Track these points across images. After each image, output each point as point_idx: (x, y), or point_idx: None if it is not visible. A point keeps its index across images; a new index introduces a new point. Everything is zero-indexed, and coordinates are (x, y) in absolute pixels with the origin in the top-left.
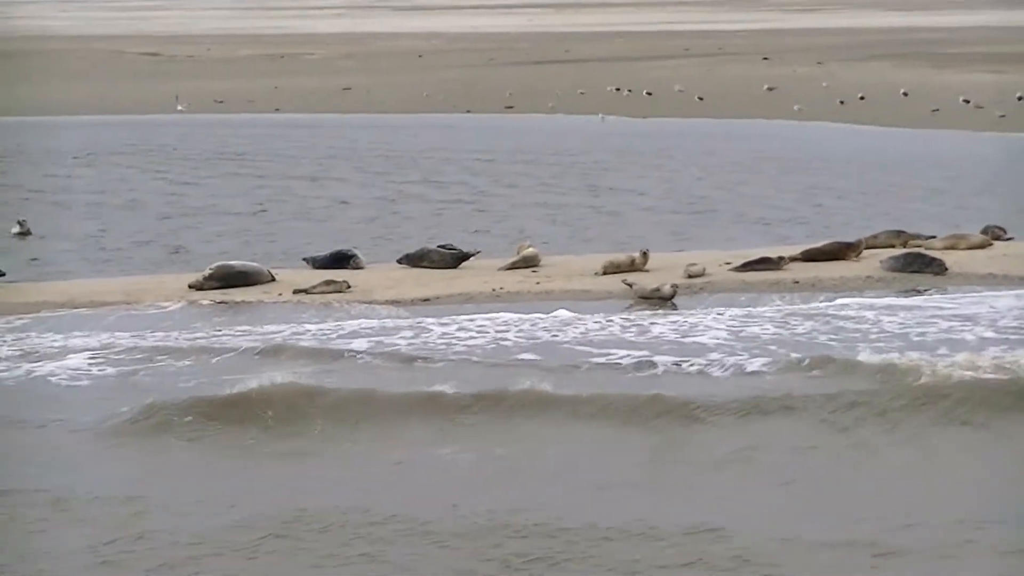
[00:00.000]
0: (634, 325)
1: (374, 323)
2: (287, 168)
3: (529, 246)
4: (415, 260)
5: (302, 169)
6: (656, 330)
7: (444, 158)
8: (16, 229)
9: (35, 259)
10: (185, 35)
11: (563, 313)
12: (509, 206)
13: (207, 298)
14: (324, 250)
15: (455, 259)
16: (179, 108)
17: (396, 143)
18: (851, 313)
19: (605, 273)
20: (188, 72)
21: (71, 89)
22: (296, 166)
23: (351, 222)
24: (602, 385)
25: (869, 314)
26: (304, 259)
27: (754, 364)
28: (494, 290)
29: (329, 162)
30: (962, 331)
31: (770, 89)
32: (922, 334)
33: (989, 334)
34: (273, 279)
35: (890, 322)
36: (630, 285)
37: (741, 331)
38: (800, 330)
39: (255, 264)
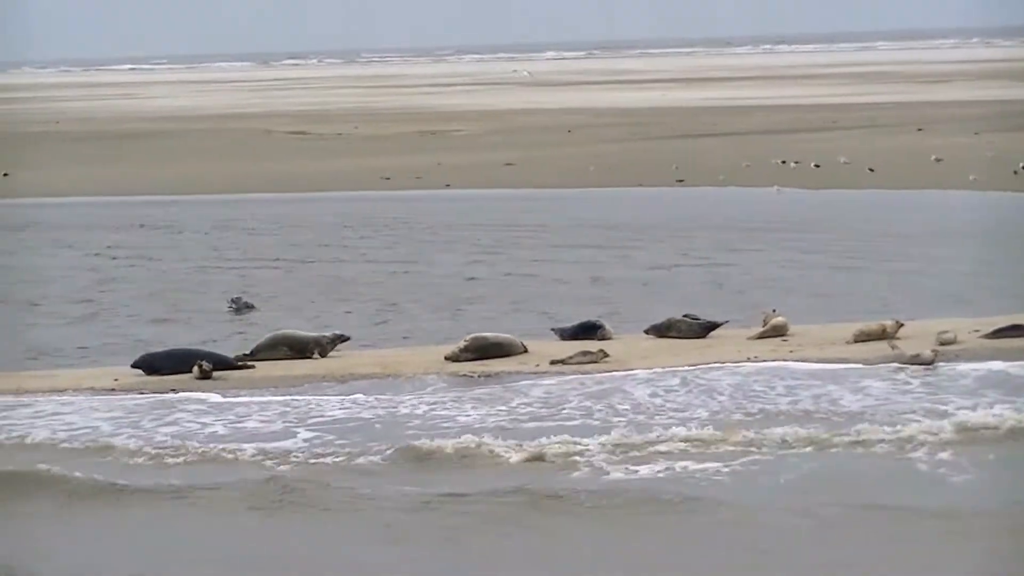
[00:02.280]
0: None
1: None
2: (500, 241)
3: (777, 315)
4: (662, 330)
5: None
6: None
7: (645, 227)
8: (230, 307)
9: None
10: (330, 113)
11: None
12: (739, 274)
13: (465, 369)
14: (572, 321)
15: (703, 329)
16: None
17: (588, 216)
18: None
19: (856, 341)
20: (341, 150)
21: (230, 168)
22: (508, 240)
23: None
24: None
25: None
26: (552, 330)
27: None
28: (749, 359)
29: (529, 235)
30: None
31: (938, 160)
32: None
33: None
34: (526, 350)
35: None
36: (893, 347)
37: None
38: None
39: (508, 335)
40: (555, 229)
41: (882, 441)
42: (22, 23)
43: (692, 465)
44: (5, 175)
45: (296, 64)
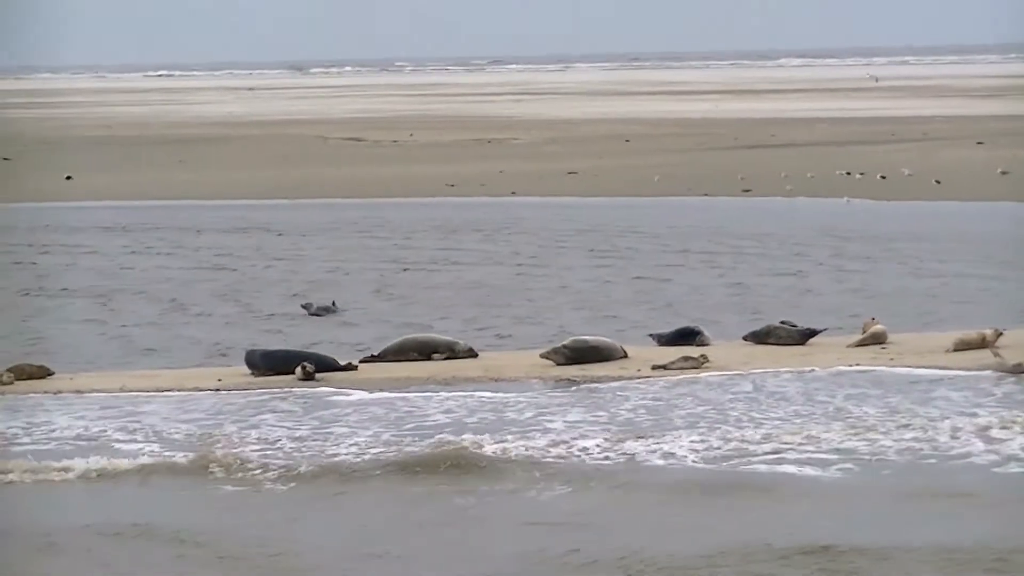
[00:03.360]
0: None
1: None
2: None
3: (877, 323)
4: (761, 337)
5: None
6: None
7: (723, 236)
8: (304, 312)
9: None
10: (382, 120)
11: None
12: (827, 282)
13: (569, 373)
14: (671, 327)
15: (803, 336)
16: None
17: (682, 223)
18: None
19: (956, 350)
20: (399, 157)
21: (291, 173)
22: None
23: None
24: None
25: None
26: (650, 335)
27: None
28: (851, 366)
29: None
30: None
31: (1004, 173)
32: None
33: None
34: (626, 355)
35: None
36: (996, 355)
37: None
38: None
39: (609, 340)
40: (657, 235)
41: None
42: (54, 27)
43: None
44: (68, 178)
45: (330, 72)
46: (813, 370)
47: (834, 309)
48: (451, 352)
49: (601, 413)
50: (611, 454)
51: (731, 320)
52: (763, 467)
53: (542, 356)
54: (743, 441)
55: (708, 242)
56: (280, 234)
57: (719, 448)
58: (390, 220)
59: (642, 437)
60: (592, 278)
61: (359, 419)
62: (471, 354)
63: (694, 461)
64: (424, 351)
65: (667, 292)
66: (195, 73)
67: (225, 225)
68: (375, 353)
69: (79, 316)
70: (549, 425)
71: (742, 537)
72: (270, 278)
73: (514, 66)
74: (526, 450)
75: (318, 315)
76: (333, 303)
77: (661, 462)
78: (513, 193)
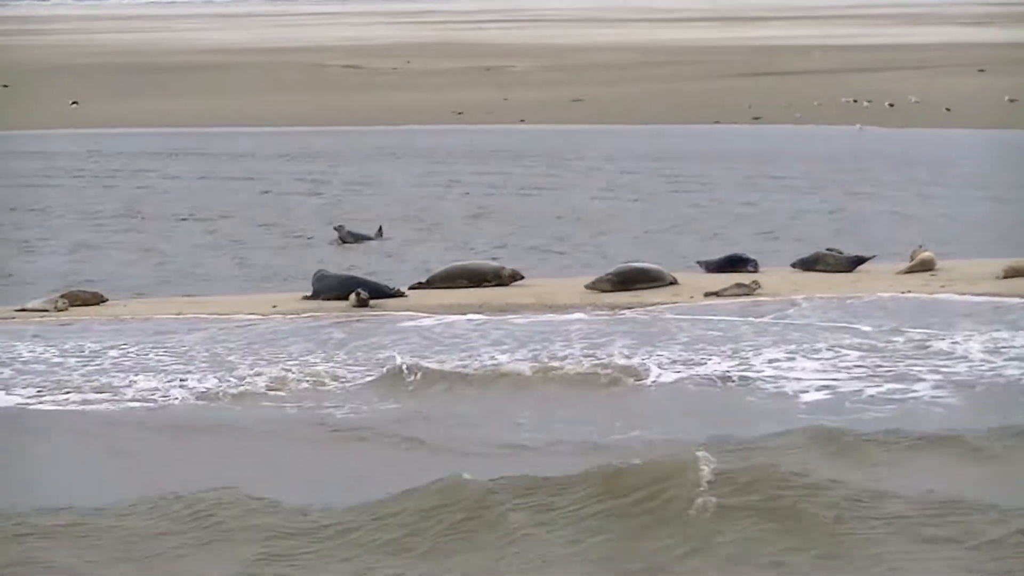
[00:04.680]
0: None
1: None
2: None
3: (925, 250)
4: (809, 264)
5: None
6: None
7: (757, 166)
8: (336, 237)
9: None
10: (378, 47)
11: None
12: (863, 209)
13: (622, 301)
14: (717, 255)
15: (851, 263)
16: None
17: (698, 149)
18: None
19: (1007, 276)
20: (400, 84)
21: (289, 101)
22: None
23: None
24: None
25: None
26: (698, 262)
27: None
28: (902, 292)
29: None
30: None
31: (1012, 100)
32: None
33: None
34: (675, 281)
35: None
36: None
37: None
38: None
39: (657, 266)
40: (678, 160)
41: None
42: None
43: None
44: (74, 103)
45: None
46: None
47: (880, 237)
48: (499, 279)
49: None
50: None
51: (775, 247)
52: None
53: (587, 288)
54: None
55: (729, 170)
56: (310, 160)
57: None
58: (407, 148)
59: None
60: (629, 209)
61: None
62: (517, 278)
63: None
64: (473, 278)
65: (711, 220)
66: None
67: (248, 151)
68: (422, 280)
69: (123, 242)
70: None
71: None
72: (307, 204)
73: None
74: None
75: (347, 241)
76: (380, 229)
77: None
78: (522, 121)
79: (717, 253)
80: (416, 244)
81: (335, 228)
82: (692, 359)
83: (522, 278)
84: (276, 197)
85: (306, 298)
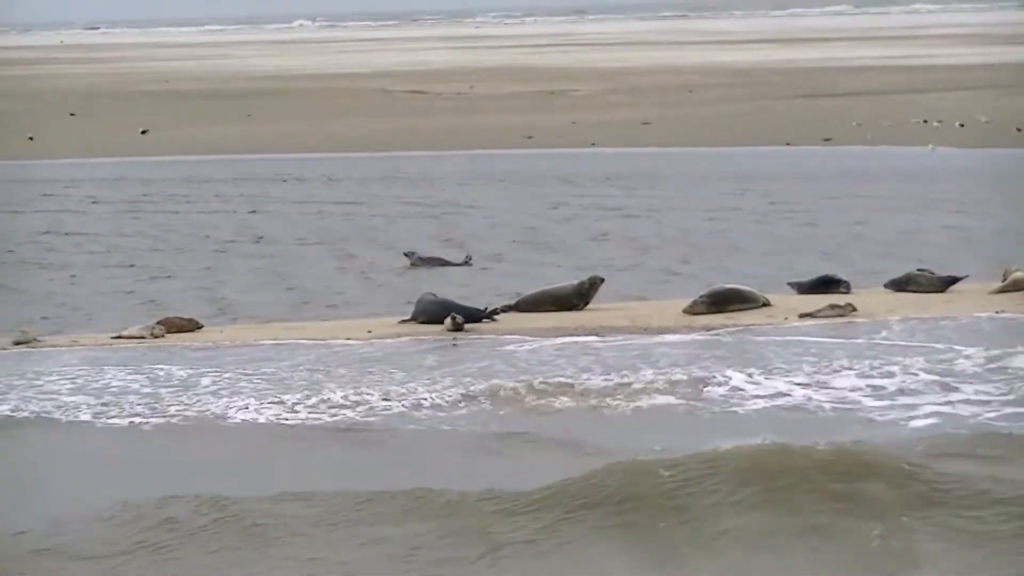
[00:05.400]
0: None
1: None
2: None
3: (1017, 270)
4: (901, 284)
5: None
6: None
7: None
8: (407, 263)
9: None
10: (439, 72)
11: None
12: (947, 228)
13: (717, 323)
14: (807, 276)
15: (944, 283)
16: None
17: (760, 172)
18: None
19: None
20: (466, 109)
21: (359, 126)
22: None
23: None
24: None
25: None
26: (789, 283)
27: None
28: (997, 312)
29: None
30: None
31: None
32: None
33: None
34: (768, 303)
35: None
36: None
37: None
38: None
39: (749, 288)
40: (767, 181)
41: None
42: None
43: None
44: (144, 132)
45: (362, 25)
46: None
47: (968, 257)
48: (581, 296)
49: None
50: None
51: (867, 266)
52: None
53: (684, 312)
54: None
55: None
56: (381, 183)
57: None
58: (491, 171)
59: None
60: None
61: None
62: (597, 283)
63: None
64: (560, 303)
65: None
66: (230, 27)
67: (320, 176)
68: (510, 303)
69: (246, 267)
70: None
71: None
72: (385, 228)
73: (553, 17)
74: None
75: (417, 266)
76: (468, 257)
77: None
78: (593, 144)
79: (809, 273)
80: (538, 266)
81: (406, 255)
82: (790, 379)
83: (602, 280)
84: (382, 220)
85: (402, 322)
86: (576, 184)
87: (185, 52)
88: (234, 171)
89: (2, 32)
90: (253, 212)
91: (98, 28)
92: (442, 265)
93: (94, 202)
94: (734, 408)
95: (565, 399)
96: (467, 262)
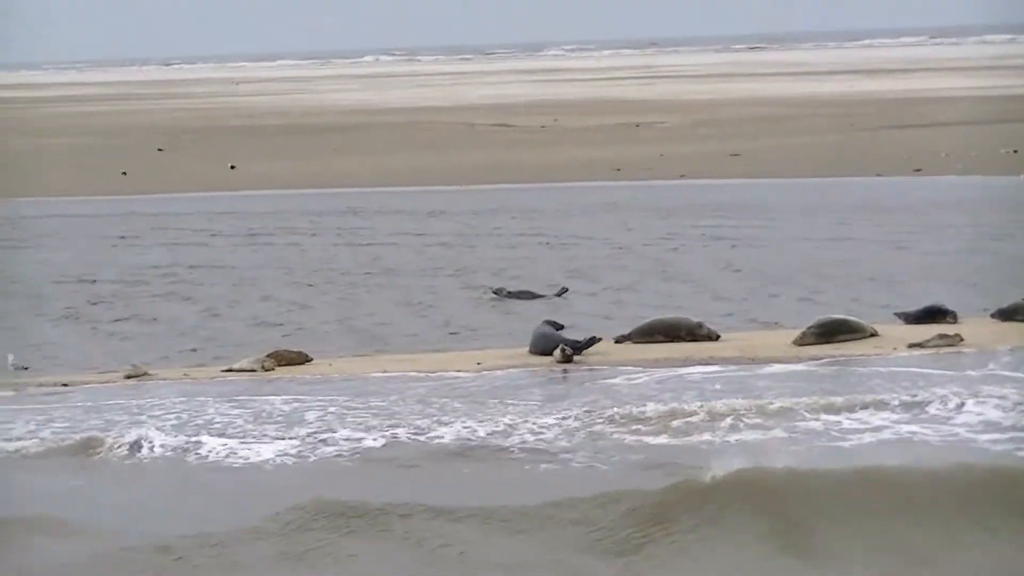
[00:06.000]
0: None
1: None
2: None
3: None
4: (1008, 314)
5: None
6: None
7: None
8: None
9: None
10: (527, 105)
11: None
12: None
13: (825, 354)
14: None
15: None
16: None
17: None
18: None
19: None
20: (552, 141)
21: (451, 159)
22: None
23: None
24: None
25: None
26: (896, 314)
27: None
28: None
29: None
30: None
31: None
32: None
33: None
34: (875, 333)
35: None
36: None
37: None
38: None
39: (857, 318)
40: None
41: None
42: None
43: None
44: (232, 167)
45: (438, 59)
46: None
47: None
48: (693, 336)
49: None
50: None
51: (970, 296)
52: None
53: (794, 343)
54: None
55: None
56: (483, 216)
57: None
58: (577, 203)
59: None
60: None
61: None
62: (713, 337)
63: None
64: (669, 333)
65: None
66: (310, 61)
67: (422, 209)
68: (624, 333)
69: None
70: None
71: None
72: (500, 259)
73: (626, 50)
74: None
75: (499, 297)
76: (563, 288)
77: None
78: (682, 176)
79: (914, 303)
80: (662, 296)
81: (494, 291)
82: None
83: (718, 338)
84: (492, 251)
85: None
86: (678, 216)
87: (263, 87)
88: (331, 204)
89: (77, 68)
90: (369, 244)
91: (173, 64)
92: (532, 298)
93: (212, 235)
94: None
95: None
96: (561, 294)
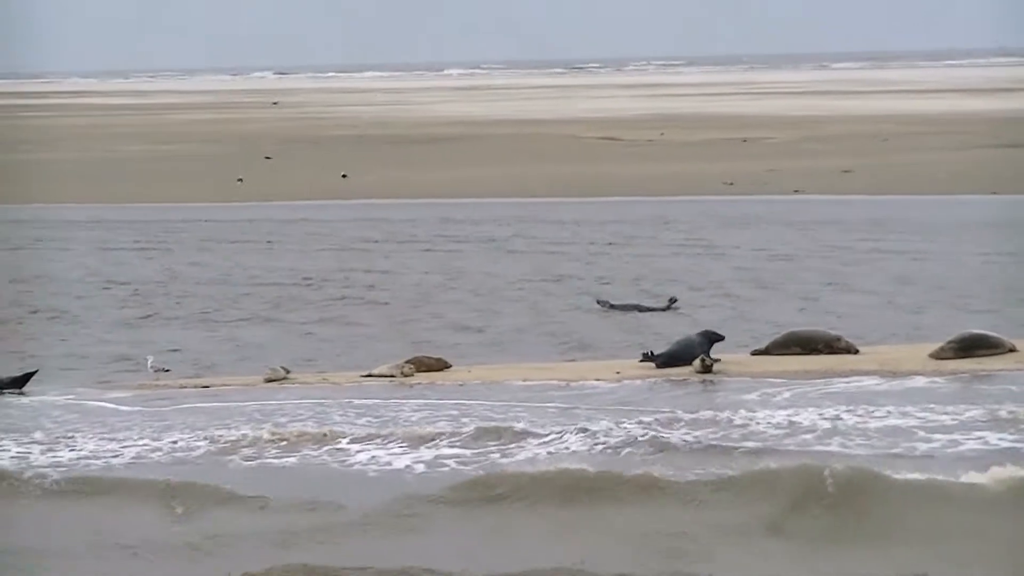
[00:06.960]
0: None
1: None
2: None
3: None
4: None
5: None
6: None
7: None
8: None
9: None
10: (634, 119)
11: None
12: None
13: (964, 368)
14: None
15: None
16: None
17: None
18: None
19: None
20: (660, 155)
21: (556, 171)
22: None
23: None
24: None
25: None
26: None
27: None
28: None
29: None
30: None
31: None
32: None
33: None
34: (1014, 349)
35: None
36: None
37: None
38: None
39: (996, 334)
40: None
41: None
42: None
43: None
44: (344, 176)
45: (542, 72)
46: None
47: None
48: (830, 349)
49: None
50: None
51: None
52: None
53: (931, 356)
54: None
55: None
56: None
57: None
58: (682, 218)
59: None
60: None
61: None
62: (852, 351)
63: None
64: (807, 346)
65: None
66: (397, 74)
67: (544, 219)
68: (762, 347)
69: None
70: None
71: None
72: (633, 269)
73: (716, 66)
74: None
75: (604, 308)
76: (671, 299)
77: None
78: (796, 191)
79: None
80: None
81: (598, 303)
82: None
83: (856, 352)
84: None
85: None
86: (810, 229)
87: (366, 98)
88: (452, 214)
89: (175, 77)
90: (512, 252)
91: (266, 73)
92: (639, 311)
93: (365, 240)
94: None
95: None
96: (670, 306)
